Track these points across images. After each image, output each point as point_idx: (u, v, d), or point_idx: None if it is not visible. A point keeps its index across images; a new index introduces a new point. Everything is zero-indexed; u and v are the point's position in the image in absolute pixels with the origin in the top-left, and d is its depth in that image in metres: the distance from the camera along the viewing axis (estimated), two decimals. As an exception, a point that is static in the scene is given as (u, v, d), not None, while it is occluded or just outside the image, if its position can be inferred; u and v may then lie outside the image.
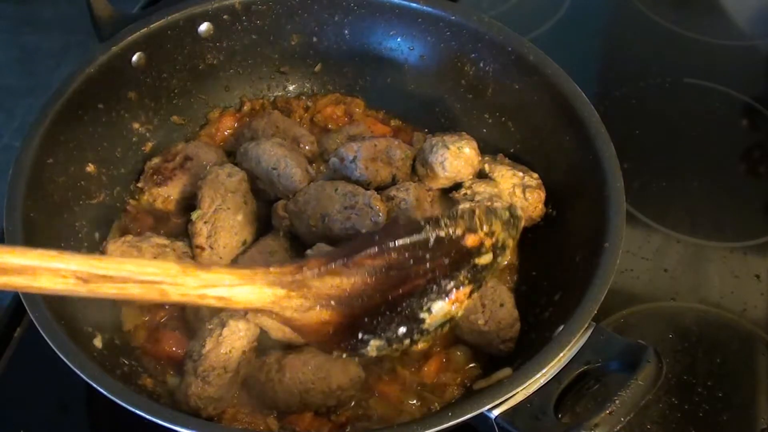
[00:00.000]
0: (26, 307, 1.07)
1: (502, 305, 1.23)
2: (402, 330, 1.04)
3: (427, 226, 1.00)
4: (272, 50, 1.57)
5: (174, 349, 1.23)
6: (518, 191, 1.35)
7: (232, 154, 1.46)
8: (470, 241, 1.02)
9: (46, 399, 1.28)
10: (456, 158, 1.35)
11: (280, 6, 1.52)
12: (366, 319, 1.02)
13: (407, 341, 1.06)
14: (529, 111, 1.42)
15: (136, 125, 1.46)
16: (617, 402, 1.00)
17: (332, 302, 1.00)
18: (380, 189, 1.34)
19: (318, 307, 1.01)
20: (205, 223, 1.29)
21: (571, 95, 1.33)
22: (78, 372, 1.02)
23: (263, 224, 1.35)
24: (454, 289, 1.04)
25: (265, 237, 1.32)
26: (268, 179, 1.35)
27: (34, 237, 1.17)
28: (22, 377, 1.31)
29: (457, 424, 1.00)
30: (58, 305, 1.11)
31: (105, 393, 1.01)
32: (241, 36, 1.53)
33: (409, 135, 1.54)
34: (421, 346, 1.14)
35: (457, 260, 1.02)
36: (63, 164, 1.30)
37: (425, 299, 1.03)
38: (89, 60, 1.35)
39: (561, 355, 1.05)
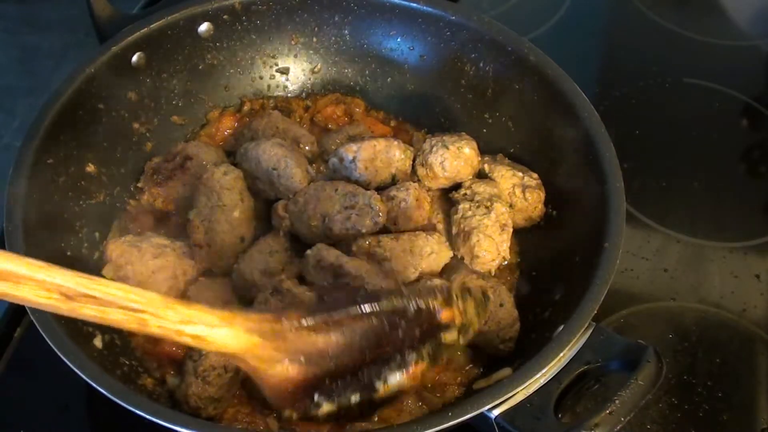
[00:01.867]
0: (26, 307, 1.07)
1: (502, 305, 1.23)
2: (355, 397, 1.03)
3: (409, 296, 1.00)
4: (272, 50, 1.58)
5: (174, 349, 1.23)
6: (518, 191, 1.35)
7: (232, 154, 1.45)
8: (445, 315, 1.03)
9: (46, 399, 1.28)
10: (456, 158, 1.36)
11: (280, 6, 1.52)
12: (327, 381, 1.01)
13: (355, 406, 1.04)
14: (530, 111, 1.42)
15: (136, 125, 1.46)
16: (617, 402, 1.00)
17: (302, 358, 0.99)
18: (380, 189, 1.34)
19: (287, 362, 0.98)
20: (202, 221, 1.29)
21: (571, 95, 1.33)
22: (78, 372, 1.02)
23: (263, 224, 1.35)
24: (413, 364, 1.02)
25: (265, 237, 1.32)
26: (268, 179, 1.35)
27: (33, 237, 1.17)
28: (22, 377, 1.31)
29: (457, 424, 1.00)
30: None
31: (105, 393, 1.01)
32: (241, 36, 1.53)
33: (409, 135, 1.54)
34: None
35: (426, 333, 1.02)
36: (63, 164, 1.30)
37: (386, 368, 1.02)
38: (89, 60, 1.35)
39: (561, 355, 1.05)
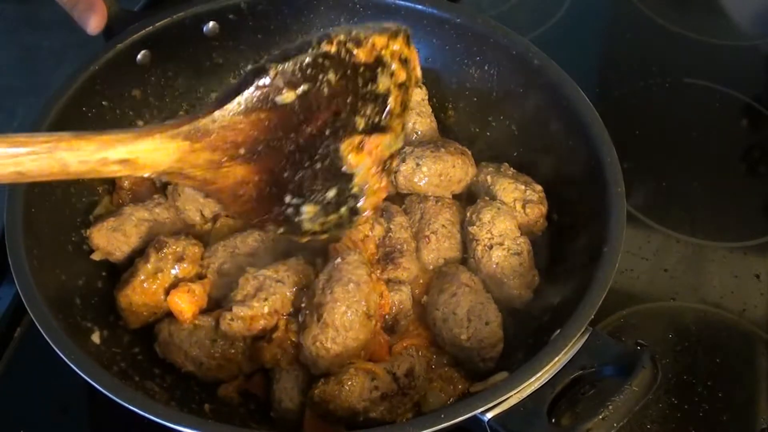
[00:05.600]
0: (25, 304, 1.07)
1: (487, 324, 1.20)
2: (332, 193, 1.00)
3: (314, 43, 0.93)
4: (278, 50, 1.57)
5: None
6: (518, 206, 1.33)
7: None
8: (361, 53, 0.96)
9: (46, 399, 1.29)
10: (413, 173, 1.35)
11: (286, 7, 1.53)
12: (286, 174, 0.96)
13: (344, 209, 1.02)
14: (533, 115, 1.41)
15: (140, 123, 1.46)
16: (610, 407, 1.00)
17: (241, 150, 0.93)
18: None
19: (229, 161, 0.93)
20: None
21: (575, 100, 1.33)
22: (74, 367, 1.02)
23: None
24: (365, 136, 0.99)
25: None
26: None
27: (34, 231, 1.17)
28: (22, 377, 1.31)
29: (450, 426, 1.00)
30: (57, 301, 1.11)
31: (105, 392, 1.01)
32: (247, 35, 1.54)
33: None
34: (363, 217, 1.09)
35: (354, 87, 0.97)
36: None
37: (339, 144, 0.97)
38: (94, 57, 1.36)
39: (556, 359, 1.04)
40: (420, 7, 1.48)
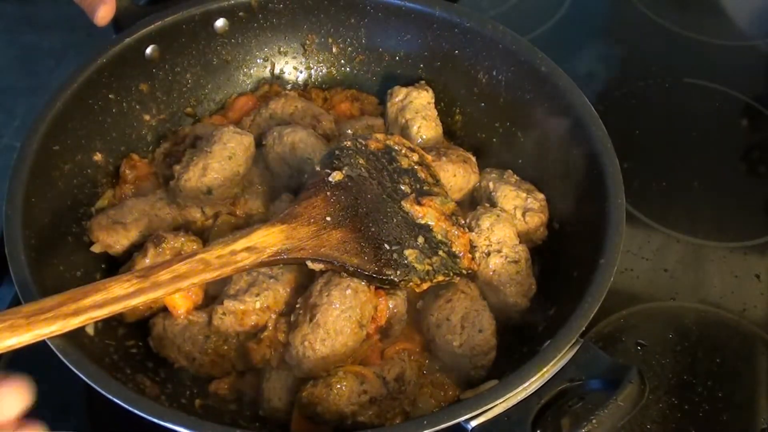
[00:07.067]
0: (17, 289, 1.07)
1: (480, 331, 1.19)
2: (420, 239, 1.20)
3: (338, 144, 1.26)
4: (287, 49, 1.58)
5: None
6: (519, 213, 1.32)
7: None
8: (372, 145, 1.26)
9: (46, 399, 1.28)
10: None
11: (296, 6, 1.53)
12: (373, 229, 1.18)
13: (441, 252, 1.20)
14: (539, 122, 1.40)
15: (146, 117, 1.46)
16: (594, 422, 0.99)
17: (328, 218, 1.17)
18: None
19: (323, 229, 1.16)
20: (191, 157, 1.31)
21: (580, 108, 1.32)
22: (62, 357, 1.03)
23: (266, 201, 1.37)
24: (417, 195, 1.23)
25: None
26: (298, 167, 1.35)
27: (34, 223, 1.17)
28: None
29: None
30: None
31: (101, 390, 1.01)
32: (257, 33, 1.54)
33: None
34: (466, 258, 1.23)
35: (382, 165, 1.25)
36: (70, 152, 1.30)
37: (399, 203, 1.21)
38: (102, 50, 1.36)
39: (544, 370, 1.03)
40: (430, 10, 1.47)
